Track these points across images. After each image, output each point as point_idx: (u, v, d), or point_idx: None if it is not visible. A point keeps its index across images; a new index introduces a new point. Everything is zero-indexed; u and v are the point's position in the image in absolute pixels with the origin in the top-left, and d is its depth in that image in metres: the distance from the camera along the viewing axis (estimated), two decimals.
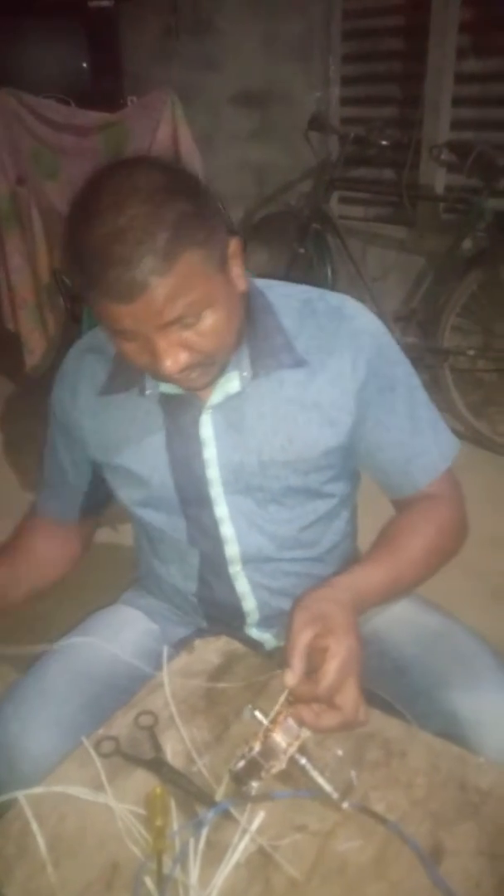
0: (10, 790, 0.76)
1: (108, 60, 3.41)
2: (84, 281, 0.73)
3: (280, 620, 0.79)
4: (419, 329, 2.82)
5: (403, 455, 0.94)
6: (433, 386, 2.73)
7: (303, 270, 3.03)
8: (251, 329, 0.88)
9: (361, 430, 0.92)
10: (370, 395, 0.90)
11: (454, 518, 0.96)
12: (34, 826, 0.72)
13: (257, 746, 0.72)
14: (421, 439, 0.94)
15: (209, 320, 0.77)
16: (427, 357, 2.72)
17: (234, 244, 0.80)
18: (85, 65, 3.38)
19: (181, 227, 0.71)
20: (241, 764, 0.72)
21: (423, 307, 2.86)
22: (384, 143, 2.72)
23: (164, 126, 2.45)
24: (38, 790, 0.76)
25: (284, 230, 3.08)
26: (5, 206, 2.65)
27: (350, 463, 0.97)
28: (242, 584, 0.97)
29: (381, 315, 2.90)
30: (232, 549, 0.95)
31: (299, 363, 0.88)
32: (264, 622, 1.00)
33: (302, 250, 2.98)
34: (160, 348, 0.76)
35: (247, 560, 0.96)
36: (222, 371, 0.87)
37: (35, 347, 2.85)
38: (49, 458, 1.05)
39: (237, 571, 0.97)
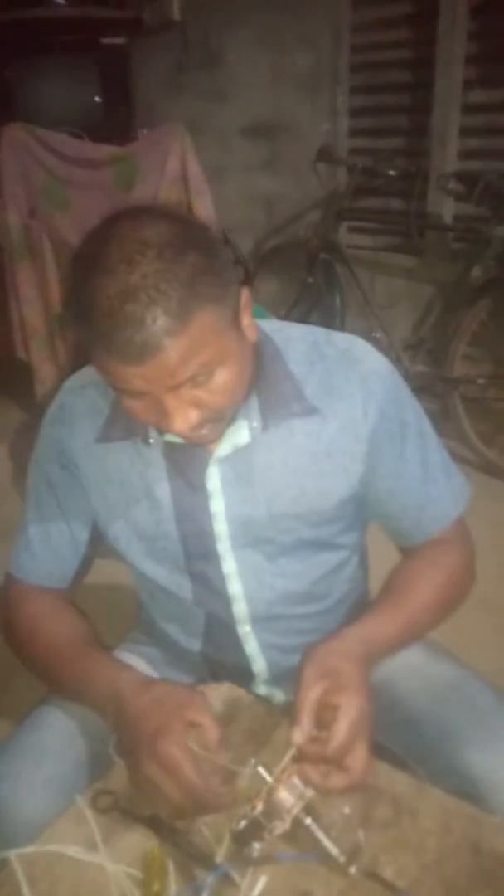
0: None
1: (120, 94, 3.47)
2: (90, 338, 0.69)
3: (290, 676, 0.76)
4: (429, 357, 2.81)
5: (415, 503, 0.91)
6: (443, 415, 2.71)
7: (312, 300, 3.03)
8: (260, 377, 0.84)
9: (372, 477, 0.88)
10: (381, 441, 0.87)
11: (463, 565, 0.94)
12: (25, 890, 0.69)
13: (260, 805, 0.69)
14: (433, 486, 0.91)
15: (221, 377, 0.73)
16: (437, 386, 2.70)
17: (244, 295, 0.76)
18: (97, 99, 3.42)
19: (195, 285, 0.67)
20: (243, 824, 0.69)
21: (433, 336, 2.85)
22: (392, 173, 2.73)
23: (173, 158, 2.47)
24: (30, 849, 0.73)
25: (293, 260, 3.09)
26: (17, 238, 2.67)
27: (362, 513, 0.94)
28: (252, 646, 0.94)
29: (390, 344, 2.91)
30: (240, 608, 0.91)
31: (310, 411, 0.85)
32: (273, 680, 0.96)
33: (311, 280, 2.99)
34: (170, 408, 0.72)
35: (256, 619, 0.92)
36: (231, 422, 0.83)
37: (46, 377, 2.85)
38: (35, 519, 0.94)
39: (246, 632, 0.93)
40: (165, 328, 0.66)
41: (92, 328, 0.68)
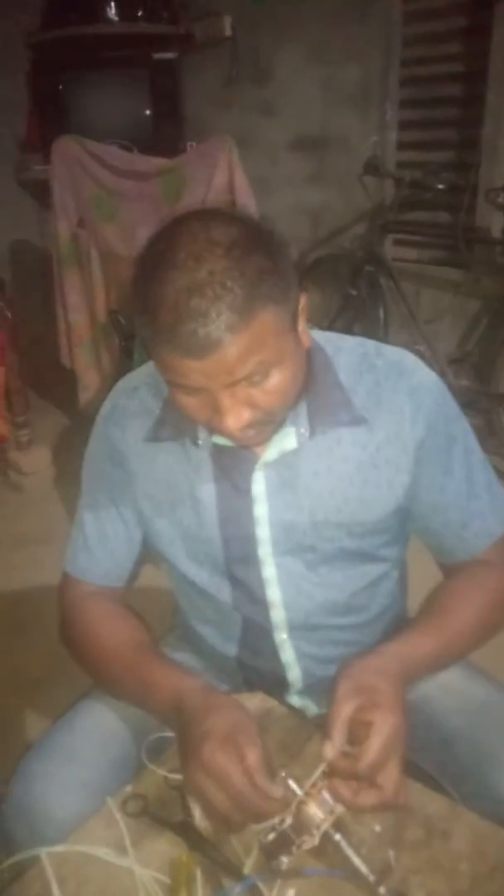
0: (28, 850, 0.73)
1: (170, 108, 3.51)
2: (153, 332, 0.70)
3: (324, 688, 0.75)
4: (474, 373, 2.77)
5: (459, 519, 0.90)
6: (487, 431, 2.67)
7: (355, 312, 3.03)
8: (310, 384, 0.84)
9: (417, 489, 0.88)
10: (427, 454, 0.87)
11: None
12: (55, 888, 0.69)
13: (289, 819, 0.69)
14: (478, 503, 0.90)
15: (276, 378, 0.74)
16: (481, 401, 2.66)
17: (303, 300, 0.77)
18: (148, 112, 3.48)
19: (259, 284, 0.69)
20: (272, 836, 0.69)
21: (478, 350, 2.81)
22: (440, 186, 2.71)
23: (221, 171, 2.49)
24: (60, 848, 0.73)
25: (337, 272, 3.09)
26: (66, 247, 2.73)
27: (405, 527, 0.93)
28: (288, 654, 0.93)
29: (434, 357, 2.88)
30: (278, 615, 0.91)
31: (357, 421, 0.85)
32: (307, 690, 0.96)
33: (354, 292, 2.98)
34: (225, 406, 0.73)
35: (293, 627, 0.92)
36: (279, 427, 0.84)
37: (90, 384, 2.90)
38: (91, 516, 0.96)
39: (283, 640, 0.92)
40: (228, 324, 0.67)
41: (156, 321, 0.69)
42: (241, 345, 0.69)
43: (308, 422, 0.85)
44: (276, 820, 0.68)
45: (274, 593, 0.90)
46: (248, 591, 0.91)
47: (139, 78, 3.44)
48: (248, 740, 0.70)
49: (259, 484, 0.87)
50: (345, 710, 0.70)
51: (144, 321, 0.71)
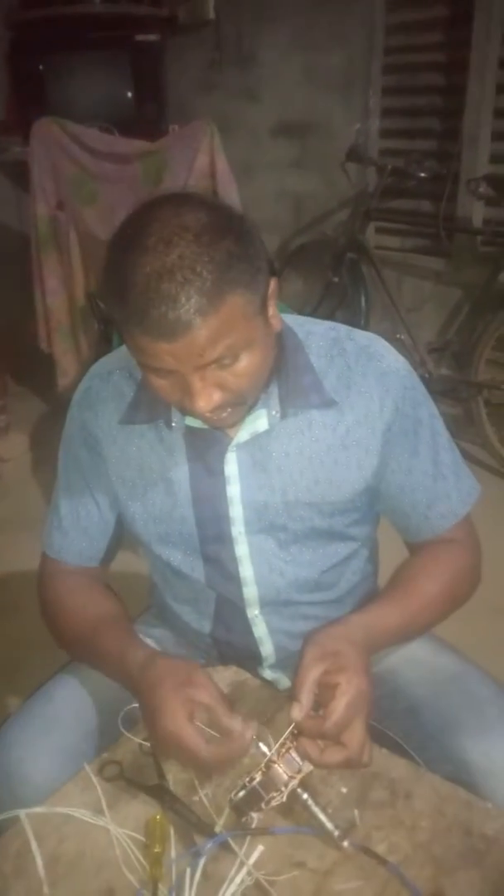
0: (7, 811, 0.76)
1: (152, 91, 3.49)
2: (124, 315, 0.72)
3: (295, 661, 0.78)
4: (453, 361, 2.80)
5: (425, 499, 0.93)
6: (466, 419, 2.71)
7: (337, 299, 3.05)
8: (282, 368, 0.86)
9: (385, 471, 0.91)
10: (395, 436, 0.89)
11: (469, 564, 0.95)
12: (34, 845, 0.72)
13: (258, 777, 0.72)
14: (443, 484, 0.93)
15: (245, 361, 0.76)
16: (461, 390, 2.70)
17: (273, 284, 0.79)
18: (129, 94, 3.46)
19: (229, 269, 0.70)
20: (242, 794, 0.72)
21: (458, 339, 2.84)
22: (422, 175, 2.73)
23: (202, 155, 2.49)
24: (39, 809, 0.76)
25: (320, 259, 3.11)
26: (44, 230, 2.72)
27: (374, 506, 0.96)
28: (260, 629, 0.96)
29: (414, 346, 2.90)
30: (250, 591, 0.94)
31: (328, 403, 0.87)
32: (279, 664, 0.99)
33: (336, 279, 3.00)
34: (195, 388, 0.74)
35: (265, 603, 0.95)
36: (251, 409, 0.86)
37: (68, 369, 2.90)
38: (66, 498, 0.98)
39: (255, 615, 0.95)
40: (198, 307, 0.69)
41: (127, 304, 0.70)
42: (210, 328, 0.70)
43: (279, 404, 0.87)
44: (246, 778, 0.72)
45: (247, 571, 0.93)
46: (222, 569, 0.94)
47: (121, 60, 3.41)
48: (200, 692, 0.76)
49: (231, 465, 0.89)
50: (312, 673, 0.73)
51: (116, 304, 0.73)
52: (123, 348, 0.94)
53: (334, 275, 3.00)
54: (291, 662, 0.94)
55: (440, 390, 2.70)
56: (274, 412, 0.87)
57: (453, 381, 2.73)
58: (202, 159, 2.45)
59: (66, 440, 0.98)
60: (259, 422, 0.87)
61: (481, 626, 1.15)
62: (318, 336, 0.90)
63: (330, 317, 3.06)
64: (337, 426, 0.88)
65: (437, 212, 2.86)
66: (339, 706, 0.70)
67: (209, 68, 3.53)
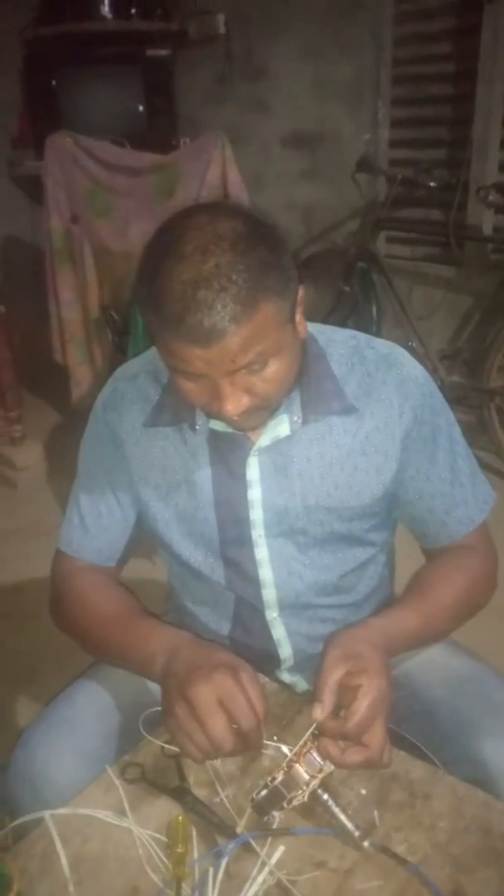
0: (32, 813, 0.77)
1: (163, 104, 3.54)
2: (159, 320, 0.74)
3: (313, 665, 0.80)
4: (465, 368, 2.81)
5: (442, 506, 0.94)
6: (479, 426, 2.72)
7: (348, 308, 3.06)
8: (304, 374, 0.88)
9: (403, 477, 0.93)
10: (413, 444, 0.91)
11: (485, 570, 0.97)
12: (58, 846, 0.73)
13: (280, 776, 0.73)
14: (460, 490, 0.94)
15: (274, 367, 0.78)
16: (472, 397, 2.71)
17: (300, 292, 0.81)
18: (141, 108, 3.50)
19: (262, 277, 0.72)
20: (263, 793, 0.73)
21: (470, 347, 2.85)
22: (432, 184, 2.75)
23: (214, 167, 2.52)
24: (63, 811, 0.77)
25: (331, 269, 3.13)
26: (59, 242, 2.75)
27: (392, 512, 0.98)
28: (279, 631, 0.97)
29: (426, 354, 2.91)
30: (269, 594, 0.95)
31: (348, 410, 0.89)
32: (297, 667, 1.00)
33: (347, 289, 3.02)
34: (225, 392, 0.76)
35: (284, 606, 0.96)
36: (274, 414, 0.87)
37: (82, 380, 2.92)
38: (87, 496, 0.99)
39: (274, 618, 0.96)
40: (232, 315, 0.71)
41: (162, 310, 0.73)
42: (243, 335, 0.72)
43: (301, 410, 0.89)
44: (268, 778, 0.73)
45: (266, 573, 0.94)
46: (241, 572, 0.95)
47: (133, 74, 3.46)
48: (248, 679, 0.75)
49: (253, 469, 0.90)
50: (333, 675, 0.74)
51: (151, 310, 0.75)
52: (149, 352, 0.97)
53: (345, 284, 3.02)
54: (309, 665, 0.96)
55: (452, 398, 2.70)
56: (296, 418, 0.89)
57: (465, 389, 2.74)
58: (214, 171, 2.48)
59: (90, 439, 1.00)
60: (281, 427, 0.89)
61: (491, 630, 1.15)
62: (338, 344, 0.92)
63: (341, 325, 3.06)
64: (357, 432, 0.90)
65: (447, 220, 2.88)
66: (362, 707, 0.72)
67: (219, 81, 3.57)
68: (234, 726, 0.73)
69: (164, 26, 3.51)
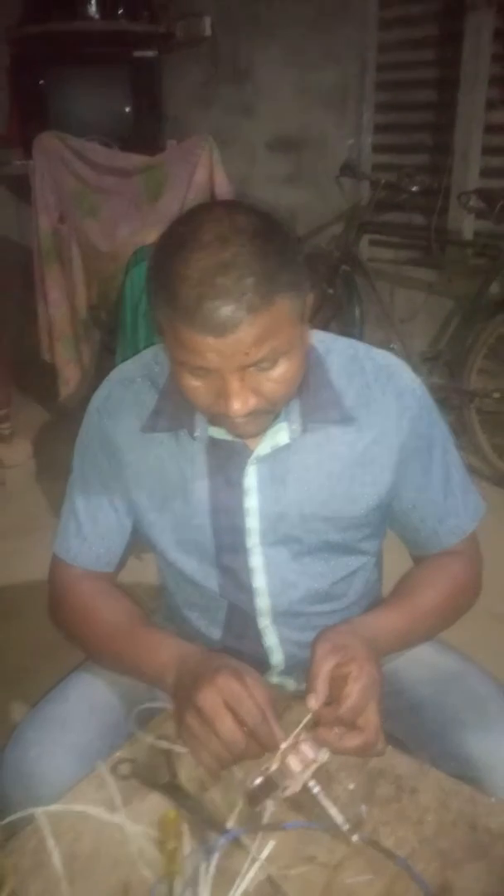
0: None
1: (150, 106, 3.55)
2: (173, 309, 0.73)
3: (303, 668, 0.80)
4: (446, 370, 2.85)
5: (435, 515, 0.96)
6: (459, 427, 2.75)
7: (332, 311, 3.09)
8: (303, 382, 0.86)
9: (398, 487, 0.93)
10: (409, 455, 0.91)
11: (470, 575, 0.99)
12: (50, 842, 0.74)
13: (274, 766, 0.74)
14: (452, 501, 0.96)
15: (283, 367, 0.77)
16: (453, 398, 2.74)
17: (310, 298, 0.80)
18: (128, 109, 3.51)
19: (280, 271, 0.72)
20: (258, 781, 0.73)
21: (451, 349, 2.89)
22: (414, 189, 2.79)
23: (202, 169, 2.54)
24: (55, 807, 0.77)
25: (314, 271, 3.14)
26: (47, 243, 2.75)
27: (385, 522, 0.99)
28: (271, 639, 0.97)
29: (407, 356, 2.93)
30: (263, 602, 0.94)
31: (347, 420, 0.89)
32: (287, 671, 1.00)
33: (331, 291, 3.04)
34: (233, 389, 0.75)
35: (277, 614, 0.95)
36: (273, 421, 0.86)
37: (70, 378, 2.93)
38: (84, 504, 0.97)
39: (266, 625, 0.96)
40: (250, 305, 0.70)
41: (178, 298, 0.72)
42: (259, 327, 0.72)
43: (300, 418, 0.88)
44: (262, 767, 0.74)
45: (260, 581, 0.94)
46: (235, 579, 0.94)
47: (120, 75, 3.47)
48: (254, 683, 0.76)
49: (251, 477, 0.90)
50: (325, 666, 0.76)
51: (165, 299, 0.74)
52: (145, 355, 0.96)
53: (329, 286, 3.04)
54: (299, 668, 0.96)
55: (433, 399, 2.73)
56: (295, 426, 0.88)
57: (446, 390, 2.77)
58: (201, 173, 2.50)
59: (84, 445, 0.98)
60: (280, 435, 0.88)
61: (480, 633, 1.17)
62: (337, 353, 0.92)
63: (325, 328, 3.09)
64: (355, 443, 0.90)
65: (429, 225, 2.91)
66: (354, 690, 0.74)
67: (205, 84, 3.59)
68: (245, 729, 0.74)
69: (151, 28, 3.53)
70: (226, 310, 0.70)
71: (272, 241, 0.73)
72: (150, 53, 3.47)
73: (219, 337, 0.71)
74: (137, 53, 3.44)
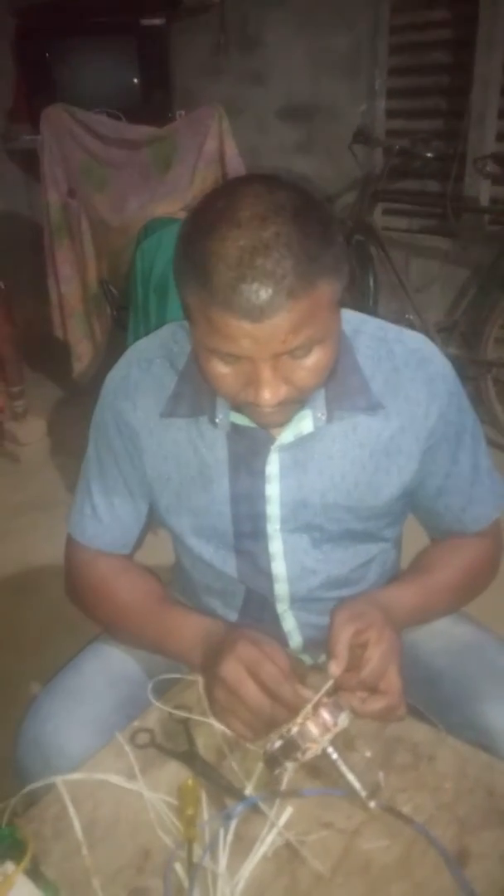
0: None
1: (158, 76, 3.48)
2: (207, 292, 0.68)
3: (321, 646, 0.81)
4: (462, 340, 2.81)
5: (460, 503, 0.94)
6: (475, 398, 2.72)
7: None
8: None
9: (424, 475, 0.91)
10: (437, 443, 0.89)
11: (489, 555, 0.98)
12: (71, 810, 0.75)
13: (295, 729, 0.74)
14: (479, 489, 0.94)
15: (317, 356, 0.73)
16: (469, 369, 2.71)
17: (347, 280, 0.75)
18: (136, 80, 3.45)
19: (322, 254, 0.67)
20: (279, 744, 0.74)
21: (467, 319, 2.85)
22: (429, 155, 2.73)
23: (211, 140, 2.50)
24: (75, 776, 0.79)
25: None
26: (57, 218, 2.73)
27: (407, 508, 0.97)
28: (289, 623, 0.96)
29: (423, 326, 2.89)
30: (281, 588, 0.93)
31: (374, 407, 0.85)
32: (305, 650, 0.99)
33: None
34: (265, 378, 0.71)
35: (295, 599, 0.94)
36: (298, 409, 0.83)
37: (83, 355, 2.93)
38: (100, 487, 0.95)
39: (284, 610, 0.95)
40: (290, 289, 0.66)
41: (212, 280, 0.67)
42: (298, 313, 0.67)
43: (326, 406, 0.84)
44: (283, 729, 0.74)
45: (279, 568, 0.92)
46: (254, 565, 0.93)
47: (127, 45, 3.40)
48: (276, 651, 0.77)
49: (273, 465, 0.87)
50: (345, 632, 0.76)
51: (197, 280, 0.69)
52: (162, 333, 0.93)
53: None
54: (317, 649, 0.97)
55: None
56: (320, 414, 0.84)
57: (462, 361, 2.74)
58: (211, 144, 2.46)
59: (100, 427, 0.94)
60: (304, 423, 0.85)
61: (500, 605, 1.17)
62: (366, 336, 0.87)
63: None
64: (382, 432, 0.87)
65: (444, 191, 2.86)
66: (375, 654, 0.74)
67: (214, 52, 3.52)
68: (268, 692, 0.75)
69: None
70: (264, 294, 0.65)
71: (314, 219, 0.68)
72: (157, 21, 3.39)
73: (255, 322, 0.67)
74: (145, 22, 3.37)
